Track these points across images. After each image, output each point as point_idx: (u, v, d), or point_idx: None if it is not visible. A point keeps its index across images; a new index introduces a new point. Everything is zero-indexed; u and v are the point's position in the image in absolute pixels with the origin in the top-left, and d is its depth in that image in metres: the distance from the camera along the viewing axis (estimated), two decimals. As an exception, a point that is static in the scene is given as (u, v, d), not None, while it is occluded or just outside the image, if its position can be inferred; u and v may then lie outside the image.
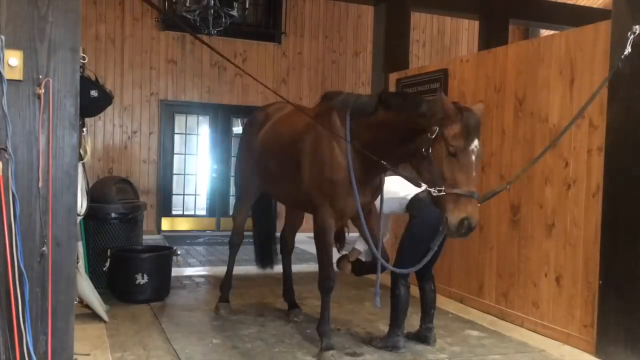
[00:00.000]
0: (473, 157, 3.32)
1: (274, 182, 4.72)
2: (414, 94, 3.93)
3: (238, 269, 5.83)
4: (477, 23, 9.18)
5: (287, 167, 4.32)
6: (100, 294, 4.97)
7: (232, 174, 10.04)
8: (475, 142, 3.33)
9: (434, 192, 3.35)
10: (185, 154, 10.54)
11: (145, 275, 5.36)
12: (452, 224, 3.29)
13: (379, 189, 4.15)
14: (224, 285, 5.25)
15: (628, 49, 3.86)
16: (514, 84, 5.17)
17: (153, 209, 9.89)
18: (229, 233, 5.46)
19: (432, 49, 11.74)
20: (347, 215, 4.16)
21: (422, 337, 4.47)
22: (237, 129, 10.40)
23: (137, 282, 5.34)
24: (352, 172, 3.87)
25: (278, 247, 5.36)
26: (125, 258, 5.50)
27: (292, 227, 5.31)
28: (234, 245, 5.30)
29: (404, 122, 3.62)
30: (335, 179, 3.95)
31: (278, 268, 5.40)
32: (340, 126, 3.96)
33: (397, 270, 4.08)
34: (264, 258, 5.47)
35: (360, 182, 3.89)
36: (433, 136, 3.37)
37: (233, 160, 9.65)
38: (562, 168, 4.66)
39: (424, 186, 3.49)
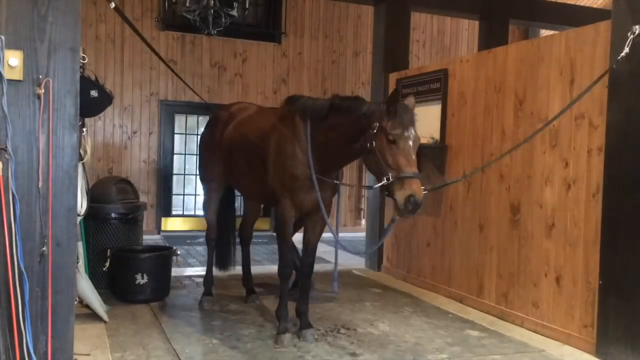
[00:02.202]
0: (411, 142, 3.73)
1: (242, 178, 5.05)
2: (362, 98, 4.21)
3: (238, 269, 5.83)
4: (477, 23, 9.17)
5: (254, 163, 4.71)
6: (100, 294, 4.97)
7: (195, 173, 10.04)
8: (411, 129, 3.76)
9: (384, 181, 3.72)
10: (185, 154, 10.53)
11: (145, 275, 5.36)
12: (399, 203, 3.65)
13: (336, 187, 4.50)
14: (206, 280, 5.51)
15: (626, 50, 3.87)
16: (514, 84, 5.17)
17: (153, 209, 9.88)
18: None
19: (432, 49, 11.73)
20: (306, 208, 4.46)
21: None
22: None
23: (137, 282, 5.34)
24: (312, 169, 4.24)
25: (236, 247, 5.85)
26: (125, 258, 5.50)
27: (251, 219, 5.84)
28: (210, 241, 5.60)
29: (351, 123, 4.01)
30: (296, 174, 4.33)
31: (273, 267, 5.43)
32: (301, 127, 4.36)
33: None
34: (223, 260, 5.81)
35: (318, 178, 4.27)
36: (374, 131, 3.79)
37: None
38: (562, 168, 4.66)
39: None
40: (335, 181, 4.43)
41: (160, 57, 4.51)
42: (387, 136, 3.73)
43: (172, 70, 4.74)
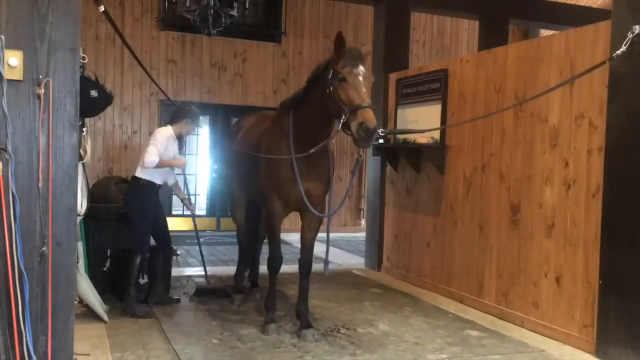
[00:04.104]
0: (360, 78, 3.94)
1: (246, 180, 5.26)
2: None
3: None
4: (477, 23, 9.17)
5: (251, 165, 4.90)
6: (100, 294, 4.96)
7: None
8: (359, 66, 3.97)
9: (342, 119, 3.92)
10: (185, 154, 10.52)
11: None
12: (353, 133, 3.84)
13: (326, 178, 4.64)
14: (236, 278, 5.78)
15: (623, 48, 3.88)
16: (514, 84, 5.17)
17: (153, 209, 9.87)
18: (229, 233, 5.56)
19: (432, 49, 11.73)
20: (293, 203, 4.61)
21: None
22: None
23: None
24: (295, 166, 4.39)
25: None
26: (126, 258, 5.49)
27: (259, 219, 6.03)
28: (240, 242, 5.84)
29: (318, 87, 4.22)
30: (280, 172, 4.52)
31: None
32: (285, 121, 4.61)
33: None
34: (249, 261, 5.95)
35: (302, 173, 4.42)
36: (330, 77, 4.03)
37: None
38: (562, 168, 4.67)
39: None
40: (312, 150, 4.40)
41: (133, 54, 4.88)
42: (338, 77, 3.96)
43: (139, 63, 5.01)
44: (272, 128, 4.81)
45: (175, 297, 5.48)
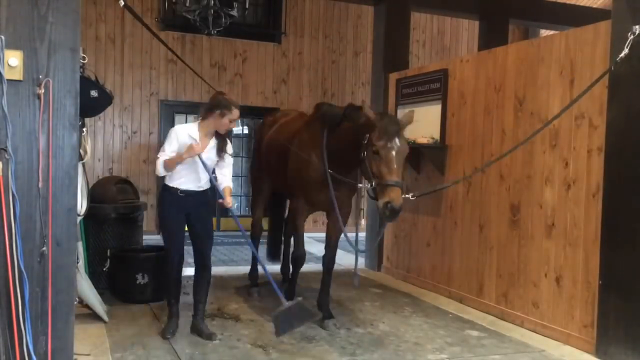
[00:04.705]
0: (393, 153, 4.00)
1: (274, 174, 5.47)
2: (364, 107, 4.39)
3: (239, 269, 5.83)
4: (477, 23, 9.17)
5: (281, 161, 5.09)
6: (100, 294, 4.96)
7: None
8: (395, 140, 4.02)
9: (369, 187, 4.15)
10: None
11: (145, 276, 5.36)
12: (379, 208, 4.02)
13: (354, 186, 4.77)
14: (252, 275, 5.86)
15: (625, 51, 3.87)
16: (514, 84, 5.17)
17: (153, 209, 9.87)
18: (229, 233, 5.56)
19: (432, 49, 11.72)
20: (319, 205, 4.92)
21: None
22: (237, 129, 10.37)
23: (137, 282, 5.34)
24: (327, 170, 4.58)
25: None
26: (126, 258, 5.49)
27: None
28: (254, 240, 5.83)
29: (354, 132, 4.31)
30: (310, 176, 4.73)
31: (275, 268, 5.44)
32: (319, 133, 4.73)
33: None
34: (274, 253, 6.19)
35: (333, 180, 4.61)
36: (365, 142, 4.11)
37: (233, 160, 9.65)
38: (562, 168, 4.66)
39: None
40: (347, 179, 4.67)
41: (168, 48, 4.83)
42: (372, 147, 4.04)
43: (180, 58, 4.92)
44: (306, 131, 4.94)
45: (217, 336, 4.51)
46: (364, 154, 4.13)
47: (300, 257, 5.02)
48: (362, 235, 8.53)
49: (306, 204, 4.91)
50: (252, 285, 5.78)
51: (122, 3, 3.92)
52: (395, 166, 3.98)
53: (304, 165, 4.78)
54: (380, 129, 4.03)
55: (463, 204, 5.78)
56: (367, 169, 4.11)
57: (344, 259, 8.10)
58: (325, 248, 4.98)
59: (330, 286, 4.99)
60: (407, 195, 4.25)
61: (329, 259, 4.95)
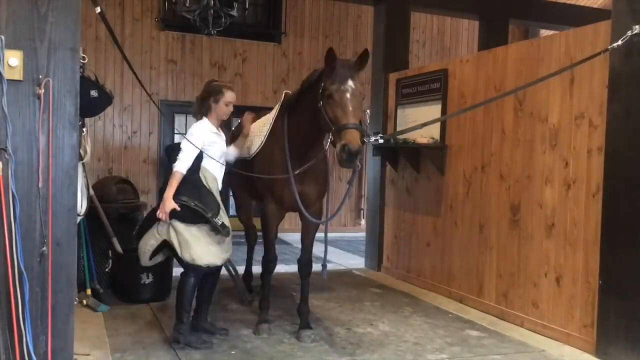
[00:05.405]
0: (348, 95, 3.83)
1: (245, 180, 5.09)
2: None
3: (238, 269, 5.82)
4: (477, 23, 9.16)
5: (248, 166, 4.82)
6: (101, 294, 4.97)
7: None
8: (348, 83, 3.85)
9: (330, 138, 3.93)
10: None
11: (150, 275, 5.35)
12: (337, 153, 3.76)
13: (322, 179, 4.58)
14: (245, 278, 5.89)
15: (619, 42, 3.90)
16: (514, 84, 5.16)
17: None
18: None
19: (432, 49, 11.72)
20: (287, 204, 4.57)
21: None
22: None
23: (142, 281, 5.34)
24: (289, 162, 4.33)
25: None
26: (132, 257, 5.48)
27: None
28: (251, 245, 5.99)
29: (311, 96, 4.10)
30: (273, 174, 4.46)
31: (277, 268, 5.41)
32: (279, 124, 4.53)
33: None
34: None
35: (297, 175, 4.34)
36: (320, 91, 3.94)
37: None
38: (562, 168, 4.66)
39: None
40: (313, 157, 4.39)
41: (125, 58, 4.26)
42: (326, 93, 3.87)
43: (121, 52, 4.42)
44: (268, 126, 4.70)
45: (223, 329, 4.63)
46: (319, 104, 3.92)
47: (271, 263, 4.73)
48: (362, 235, 8.55)
49: (275, 204, 4.59)
50: (249, 291, 5.73)
51: (98, 10, 3.84)
52: (350, 108, 3.79)
53: (266, 162, 4.54)
54: (333, 72, 3.87)
55: (463, 204, 5.78)
56: (325, 117, 3.88)
57: (344, 259, 8.12)
58: (301, 251, 4.72)
59: (308, 293, 4.65)
60: (372, 139, 4.17)
61: (303, 264, 4.61)
